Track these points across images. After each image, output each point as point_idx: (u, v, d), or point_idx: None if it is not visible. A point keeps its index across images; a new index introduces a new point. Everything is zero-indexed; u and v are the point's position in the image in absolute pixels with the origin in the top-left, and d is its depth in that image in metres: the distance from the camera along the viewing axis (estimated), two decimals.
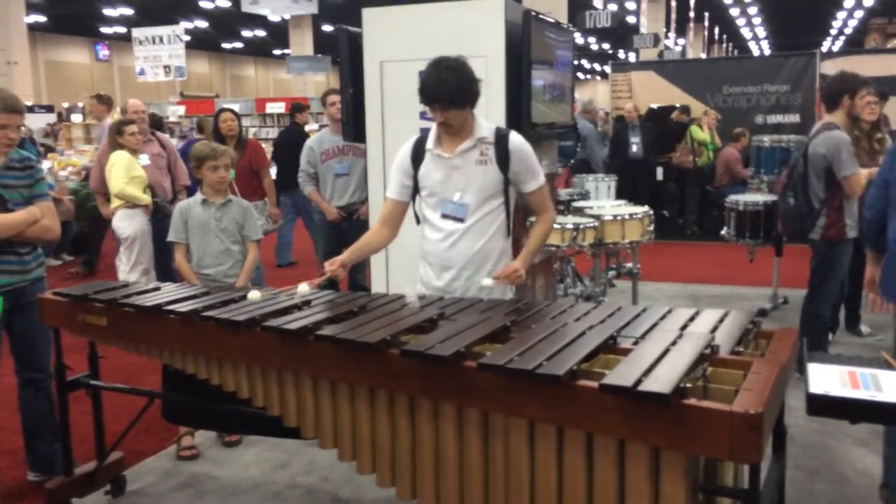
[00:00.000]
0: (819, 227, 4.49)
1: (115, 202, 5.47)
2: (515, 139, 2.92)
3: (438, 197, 2.95)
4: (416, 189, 3.01)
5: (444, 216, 2.95)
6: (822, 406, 1.92)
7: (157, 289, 3.09)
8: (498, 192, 2.91)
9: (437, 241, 2.98)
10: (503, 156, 2.88)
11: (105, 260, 8.44)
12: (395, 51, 4.23)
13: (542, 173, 2.99)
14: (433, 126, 2.95)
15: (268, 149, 8.33)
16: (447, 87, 2.74)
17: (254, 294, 2.78)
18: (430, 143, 2.95)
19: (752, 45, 41.27)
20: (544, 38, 4.40)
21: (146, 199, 5.49)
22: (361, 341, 2.17)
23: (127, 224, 5.45)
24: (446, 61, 2.78)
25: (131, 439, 3.77)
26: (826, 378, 1.99)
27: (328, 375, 2.31)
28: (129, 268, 5.46)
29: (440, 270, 2.99)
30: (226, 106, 6.52)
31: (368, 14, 4.32)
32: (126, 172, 5.37)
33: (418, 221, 3.10)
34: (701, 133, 9.79)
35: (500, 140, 2.90)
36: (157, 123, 7.86)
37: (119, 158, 5.41)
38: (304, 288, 2.78)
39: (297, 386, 2.41)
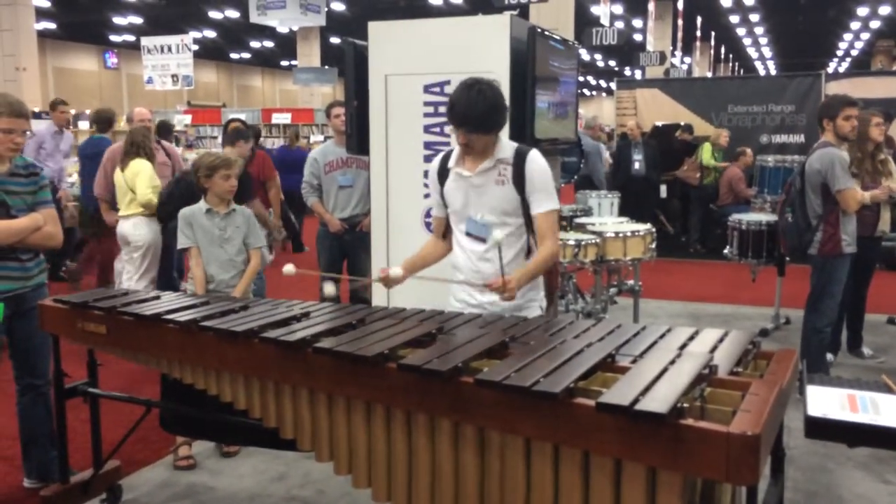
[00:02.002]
0: (816, 242, 4.59)
1: (131, 209, 5.45)
2: (533, 159, 2.89)
3: (460, 215, 2.98)
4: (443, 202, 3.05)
5: (468, 234, 2.97)
6: (821, 429, 1.92)
7: (157, 297, 3.09)
8: (517, 212, 2.90)
9: (463, 258, 3.00)
10: (520, 175, 2.86)
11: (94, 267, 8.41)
12: (400, 64, 4.25)
13: (556, 199, 2.94)
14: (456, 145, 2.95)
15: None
16: (476, 112, 2.72)
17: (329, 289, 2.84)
18: (452, 161, 2.97)
19: (758, 65, 41.40)
20: (549, 54, 4.41)
21: None
22: (359, 354, 2.16)
23: (144, 232, 5.43)
24: (479, 85, 2.75)
25: (128, 448, 3.77)
26: (825, 401, 1.99)
27: (325, 388, 2.30)
28: (139, 276, 5.46)
29: (466, 286, 2.99)
30: (234, 116, 6.51)
31: (374, 27, 4.34)
32: (150, 181, 5.38)
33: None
34: (709, 157, 9.78)
35: (519, 160, 2.88)
36: (166, 130, 7.93)
37: (144, 167, 5.40)
38: (330, 289, 2.86)
39: (293, 398, 2.40)
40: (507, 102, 4.12)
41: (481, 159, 2.89)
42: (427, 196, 4.12)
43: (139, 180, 5.35)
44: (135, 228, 5.44)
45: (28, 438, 3.53)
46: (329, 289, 2.81)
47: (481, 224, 2.92)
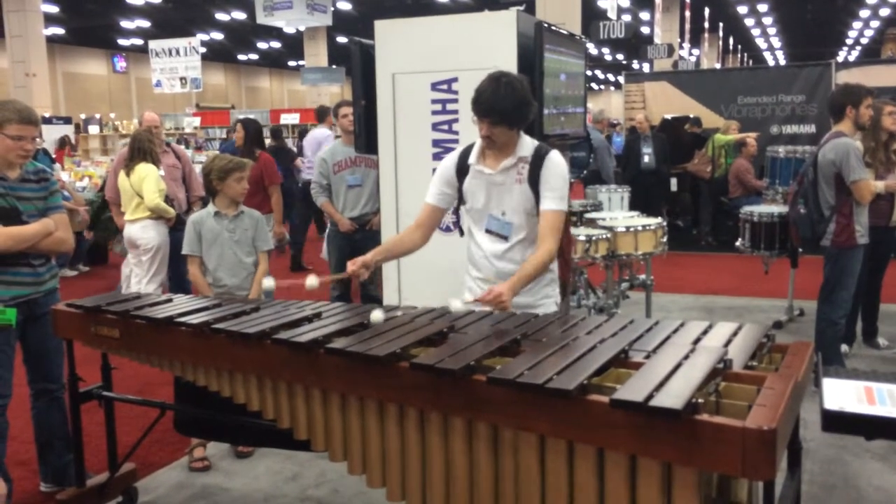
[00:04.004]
0: (829, 233, 4.55)
1: (139, 213, 5.48)
2: (552, 159, 2.87)
3: (481, 213, 2.96)
4: (460, 199, 3.02)
5: (489, 232, 2.95)
6: (838, 422, 1.89)
7: (170, 301, 3.10)
8: (535, 211, 2.88)
9: (481, 257, 2.99)
10: (535, 174, 2.85)
11: (116, 271, 8.47)
12: (407, 63, 4.24)
13: (565, 201, 2.91)
14: (477, 140, 2.93)
15: None
16: (502, 104, 2.71)
17: (377, 315, 2.55)
18: (472, 158, 2.94)
19: (767, 56, 41.13)
20: (557, 49, 4.40)
21: (173, 212, 5.53)
22: (371, 354, 2.16)
23: (153, 234, 5.46)
24: (507, 77, 2.74)
25: (143, 451, 3.78)
26: (841, 393, 1.96)
27: (338, 388, 2.30)
28: (148, 279, 5.48)
29: (482, 283, 2.98)
30: (247, 116, 6.45)
31: (381, 26, 4.33)
32: (157, 185, 5.41)
33: (461, 233, 3.12)
34: (725, 137, 9.66)
35: (537, 159, 2.87)
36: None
37: (151, 171, 5.43)
38: (311, 281, 2.70)
39: (306, 399, 2.40)
40: None
41: (503, 156, 2.87)
42: None
43: (145, 185, 5.38)
44: (143, 231, 5.47)
45: (43, 443, 3.55)
46: (377, 315, 2.55)
47: (504, 222, 2.90)
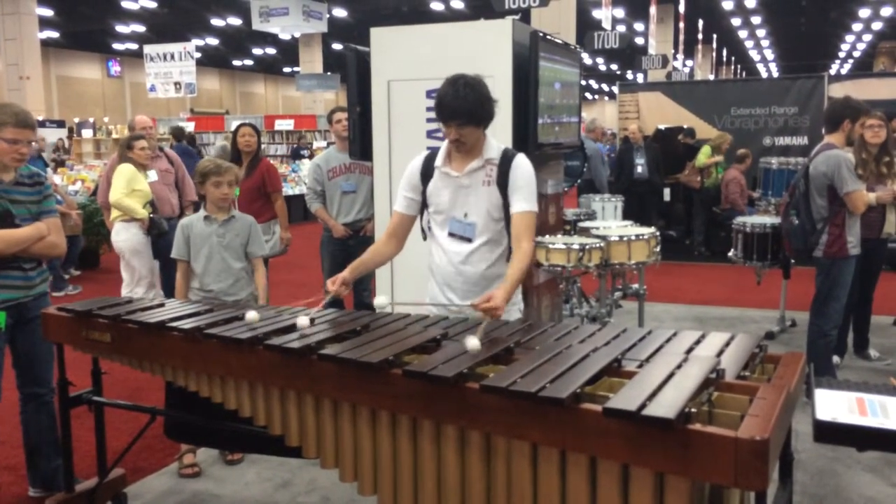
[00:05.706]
0: (822, 244, 4.57)
1: (113, 213, 5.45)
2: (520, 163, 2.89)
3: (445, 215, 2.95)
4: (424, 204, 3.01)
5: (451, 234, 2.94)
6: (830, 433, 1.90)
7: (162, 305, 3.08)
8: (501, 214, 2.89)
9: (443, 261, 2.98)
10: (504, 176, 2.85)
11: (107, 275, 8.45)
12: (402, 70, 4.25)
13: (535, 201, 2.90)
14: (444, 143, 2.94)
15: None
16: (465, 105, 2.72)
17: (252, 315, 2.70)
18: (438, 161, 2.94)
19: (761, 68, 41.40)
20: (552, 58, 4.41)
21: (143, 213, 5.41)
22: (364, 361, 2.16)
23: (124, 237, 5.42)
24: (464, 78, 2.76)
25: (133, 456, 3.76)
26: (833, 404, 1.97)
27: (330, 395, 2.30)
28: (135, 283, 5.45)
29: (446, 289, 2.99)
30: (245, 122, 6.35)
31: (377, 33, 4.34)
32: (127, 184, 5.36)
33: (425, 237, 3.09)
34: (704, 157, 9.74)
35: (505, 161, 2.88)
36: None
37: (123, 170, 5.41)
38: (303, 321, 2.57)
39: (298, 405, 2.40)
40: (510, 106, 4.12)
41: (469, 159, 2.88)
42: None
43: (115, 182, 5.37)
44: (116, 234, 5.46)
45: (32, 447, 3.53)
46: (303, 321, 2.56)
47: (466, 224, 2.90)
